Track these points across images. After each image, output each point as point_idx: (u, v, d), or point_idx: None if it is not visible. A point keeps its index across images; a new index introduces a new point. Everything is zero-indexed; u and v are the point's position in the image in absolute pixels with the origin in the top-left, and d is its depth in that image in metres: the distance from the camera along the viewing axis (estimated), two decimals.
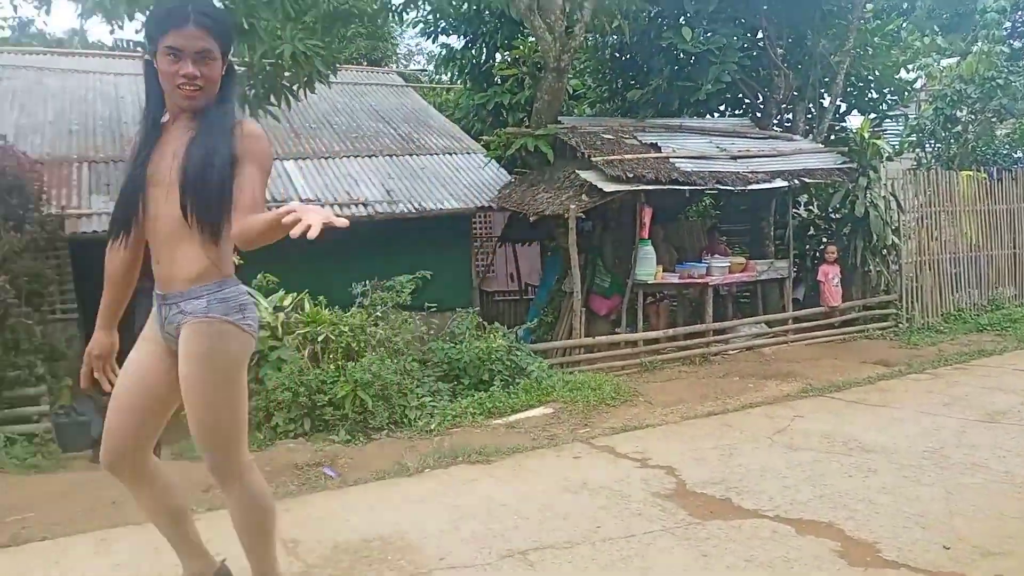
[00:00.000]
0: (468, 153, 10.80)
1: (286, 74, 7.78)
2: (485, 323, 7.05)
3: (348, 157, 10.01)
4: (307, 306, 6.31)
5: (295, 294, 6.44)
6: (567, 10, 8.55)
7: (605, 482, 4.23)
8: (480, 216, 11.16)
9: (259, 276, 6.27)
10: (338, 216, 1.84)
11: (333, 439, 5.16)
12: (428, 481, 4.38)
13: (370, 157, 10.14)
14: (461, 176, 10.13)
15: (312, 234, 1.77)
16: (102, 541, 3.60)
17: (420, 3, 9.62)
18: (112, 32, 7.90)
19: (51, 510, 4.02)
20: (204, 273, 2.24)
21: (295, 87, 8.06)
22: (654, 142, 8.74)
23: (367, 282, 6.77)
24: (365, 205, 8.91)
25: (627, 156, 8.08)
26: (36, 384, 5.57)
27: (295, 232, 1.78)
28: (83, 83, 10.63)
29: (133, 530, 3.70)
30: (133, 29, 16.12)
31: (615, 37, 10.90)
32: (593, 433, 5.32)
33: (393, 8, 9.71)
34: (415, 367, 6.07)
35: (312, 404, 5.32)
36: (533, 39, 9.38)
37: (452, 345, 6.53)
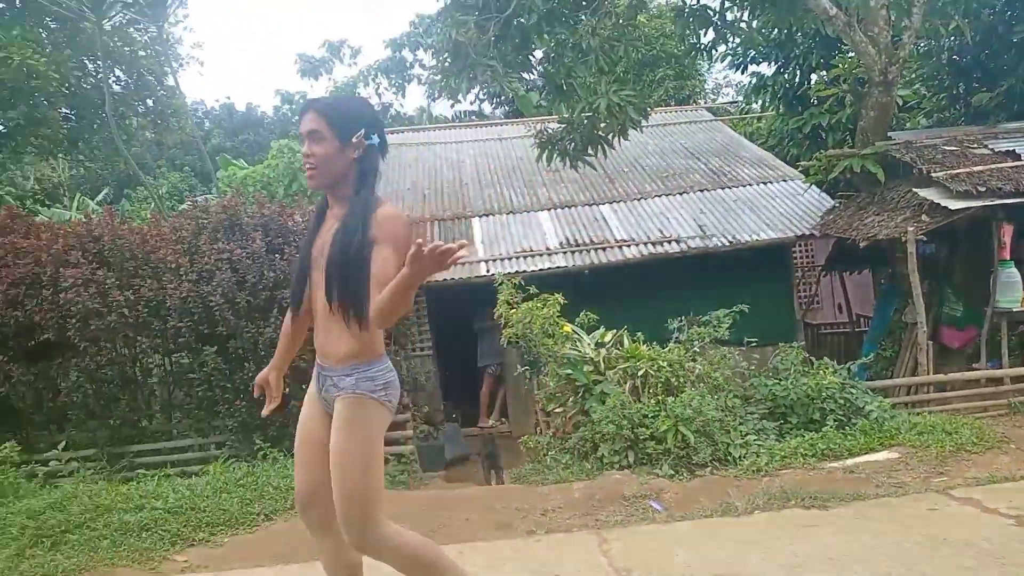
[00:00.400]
0: (784, 180, 10.34)
1: (602, 125, 8.22)
2: (812, 358, 6.63)
3: (659, 196, 10.19)
4: (626, 342, 6.51)
5: (614, 331, 6.68)
6: (892, 19, 7.85)
7: (971, 539, 3.70)
8: (800, 245, 10.57)
9: (581, 314, 6.63)
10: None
11: (657, 472, 5.21)
12: (758, 523, 4.22)
13: (681, 194, 10.21)
14: (777, 204, 9.72)
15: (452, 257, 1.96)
16: (460, 554, 4.02)
17: (728, 38, 9.53)
18: (452, 106, 9.08)
19: (417, 522, 4.62)
20: (352, 354, 2.41)
21: (610, 136, 8.48)
22: (1011, 149, 7.57)
23: (683, 318, 6.79)
24: (677, 242, 8.96)
25: (976, 168, 7.10)
26: (403, 412, 6.48)
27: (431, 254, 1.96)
28: (432, 153, 12.33)
29: (483, 546, 4.11)
30: (468, 101, 18.41)
31: (952, 39, 9.72)
32: (951, 483, 4.68)
33: (701, 47, 9.76)
34: (737, 403, 5.91)
35: (635, 437, 5.45)
36: (853, 55, 8.75)
37: (776, 381, 6.23)
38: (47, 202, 13.89)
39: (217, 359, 5.92)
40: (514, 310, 6.51)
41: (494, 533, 4.34)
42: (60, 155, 12.85)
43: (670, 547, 3.90)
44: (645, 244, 8.98)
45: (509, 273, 7.52)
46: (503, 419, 9.42)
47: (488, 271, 8.39)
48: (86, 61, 12.81)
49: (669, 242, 8.99)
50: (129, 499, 4.69)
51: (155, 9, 13.64)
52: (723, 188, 10.28)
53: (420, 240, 1.97)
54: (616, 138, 8.60)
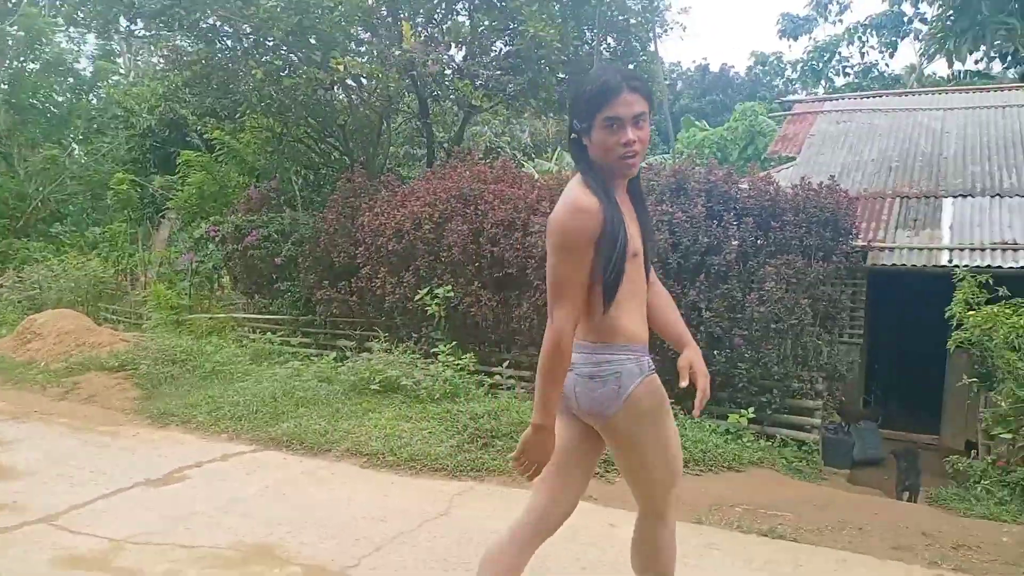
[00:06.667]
0: None
1: None
2: None
3: None
4: None
5: None
6: None
7: None
8: None
9: None
10: None
11: None
12: None
13: None
14: None
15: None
16: (842, 561, 3.72)
17: None
18: (951, 66, 7.89)
19: (804, 516, 4.39)
20: None
21: None
22: None
23: None
24: None
25: None
26: (814, 398, 6.13)
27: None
28: (909, 120, 10.91)
29: (870, 560, 3.74)
30: (973, 61, 15.66)
31: None
32: None
33: None
34: None
35: None
36: None
37: None
38: (534, 156, 16.09)
39: None
40: (973, 312, 5.63)
41: (888, 552, 3.91)
42: (551, 115, 14.69)
43: None
44: None
45: (976, 268, 6.44)
46: None
47: (950, 260, 7.25)
48: (585, 30, 14.26)
49: None
50: None
51: None
52: None
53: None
54: None
